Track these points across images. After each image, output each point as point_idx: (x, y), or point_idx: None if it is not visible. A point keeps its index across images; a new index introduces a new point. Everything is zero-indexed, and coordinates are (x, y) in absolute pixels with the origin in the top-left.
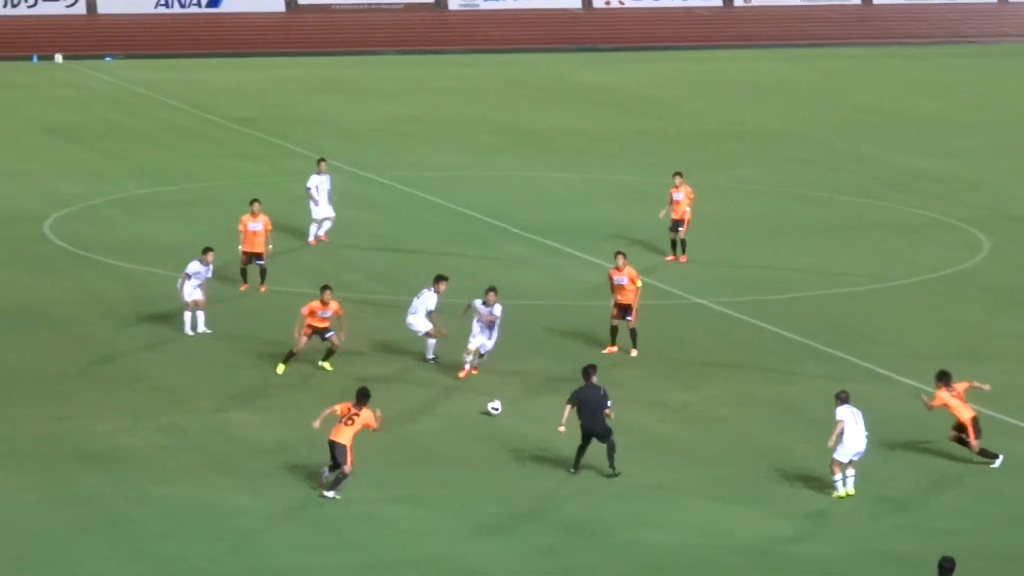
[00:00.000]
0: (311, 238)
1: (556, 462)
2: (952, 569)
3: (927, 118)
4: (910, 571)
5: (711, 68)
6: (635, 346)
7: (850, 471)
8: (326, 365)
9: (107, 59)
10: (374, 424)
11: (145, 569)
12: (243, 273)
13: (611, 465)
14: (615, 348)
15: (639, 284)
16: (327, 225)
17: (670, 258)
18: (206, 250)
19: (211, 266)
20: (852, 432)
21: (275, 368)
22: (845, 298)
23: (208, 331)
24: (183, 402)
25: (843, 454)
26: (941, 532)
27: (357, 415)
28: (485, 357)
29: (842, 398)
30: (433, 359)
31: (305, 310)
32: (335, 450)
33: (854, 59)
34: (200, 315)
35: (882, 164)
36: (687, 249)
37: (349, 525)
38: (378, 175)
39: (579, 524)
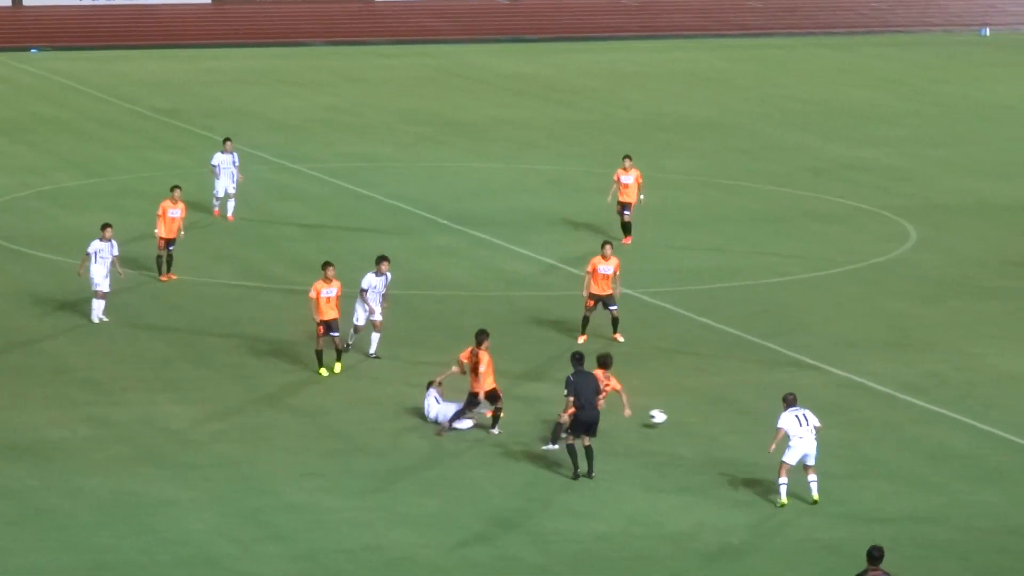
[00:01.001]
0: (215, 210)
1: (488, 452)
2: (881, 557)
3: (856, 108)
4: (839, 559)
5: (640, 58)
6: (617, 331)
7: (812, 476)
8: (337, 367)
9: (33, 51)
10: (488, 367)
11: (75, 561)
12: (159, 261)
13: (592, 467)
14: (586, 337)
15: (618, 272)
16: (231, 205)
17: (627, 240)
18: (104, 227)
19: (113, 241)
20: (797, 435)
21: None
22: (774, 288)
23: (106, 319)
24: (111, 394)
25: (791, 456)
26: (869, 520)
27: (478, 356)
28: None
29: (789, 401)
30: (360, 354)
31: (312, 293)
32: (489, 397)
33: (783, 49)
34: (100, 303)
35: (812, 154)
36: (632, 231)
37: (281, 516)
38: (306, 166)
39: (511, 514)
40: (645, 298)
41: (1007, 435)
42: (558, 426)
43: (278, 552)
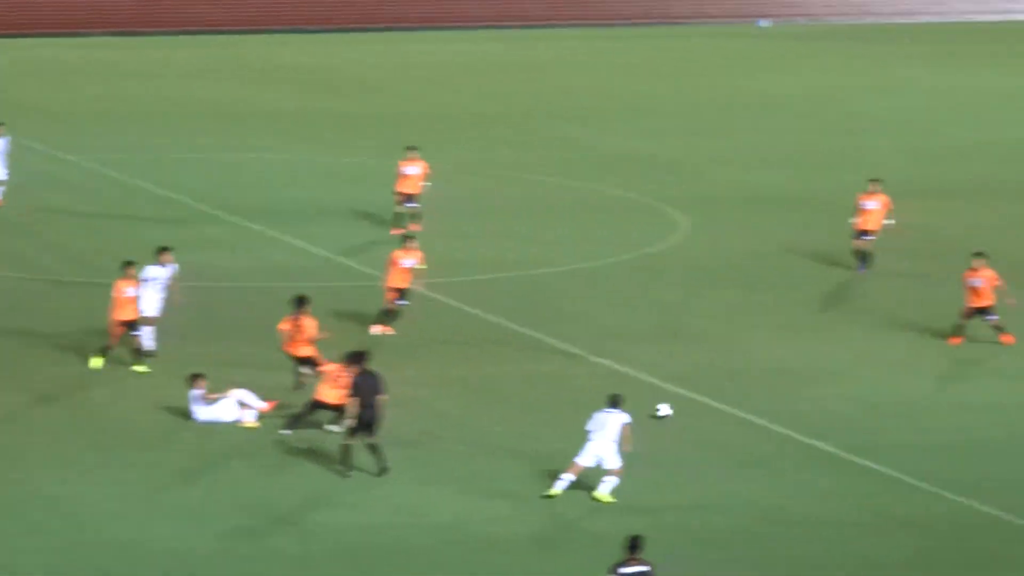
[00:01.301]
0: None
1: (250, 444)
2: (638, 547)
3: (631, 99)
4: (602, 549)
5: (421, 49)
6: (385, 324)
7: (607, 477)
8: (140, 368)
9: None
10: (315, 332)
11: None
12: None
13: (383, 460)
14: (391, 329)
15: (424, 266)
16: (1, 190)
17: (396, 231)
18: None
19: None
20: (595, 437)
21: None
22: (544, 279)
23: None
24: None
25: (582, 458)
26: (633, 510)
27: (300, 321)
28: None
29: (608, 403)
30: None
31: (115, 292)
32: (301, 362)
33: (562, 40)
34: None
35: (586, 145)
36: (421, 220)
37: (37, 509)
38: (78, 157)
39: (274, 506)
40: (415, 288)
41: (770, 424)
42: (302, 414)
43: (35, 545)
